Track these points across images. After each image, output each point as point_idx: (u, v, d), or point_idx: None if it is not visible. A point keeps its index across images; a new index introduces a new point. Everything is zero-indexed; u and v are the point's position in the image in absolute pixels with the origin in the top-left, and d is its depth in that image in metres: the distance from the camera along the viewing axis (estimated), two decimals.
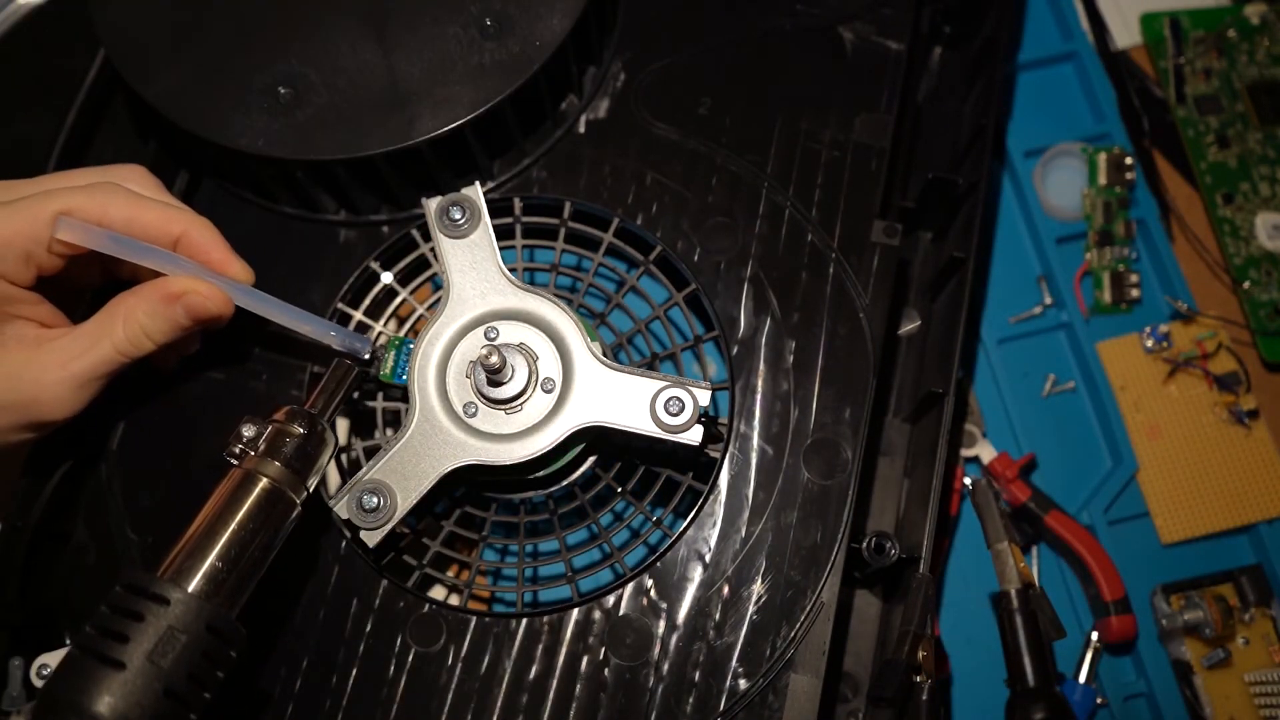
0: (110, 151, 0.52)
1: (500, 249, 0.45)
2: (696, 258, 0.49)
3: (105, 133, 0.53)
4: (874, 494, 0.51)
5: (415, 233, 0.50)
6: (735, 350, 0.48)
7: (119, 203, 0.41)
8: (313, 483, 0.41)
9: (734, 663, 0.43)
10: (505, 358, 0.42)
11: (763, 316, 0.48)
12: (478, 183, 0.45)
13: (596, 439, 0.46)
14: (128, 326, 0.41)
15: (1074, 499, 0.58)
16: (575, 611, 0.45)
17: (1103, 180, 0.63)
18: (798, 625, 0.44)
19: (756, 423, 0.47)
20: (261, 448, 0.40)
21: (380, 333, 0.50)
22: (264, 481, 0.39)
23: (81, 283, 0.45)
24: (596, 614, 0.45)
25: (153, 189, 0.44)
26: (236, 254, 0.44)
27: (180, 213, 0.43)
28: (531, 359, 0.43)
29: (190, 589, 0.36)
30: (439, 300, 0.45)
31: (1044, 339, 0.62)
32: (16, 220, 0.39)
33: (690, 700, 0.43)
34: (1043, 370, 0.61)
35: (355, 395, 0.49)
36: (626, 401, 0.42)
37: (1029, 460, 0.58)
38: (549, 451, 0.42)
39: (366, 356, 0.45)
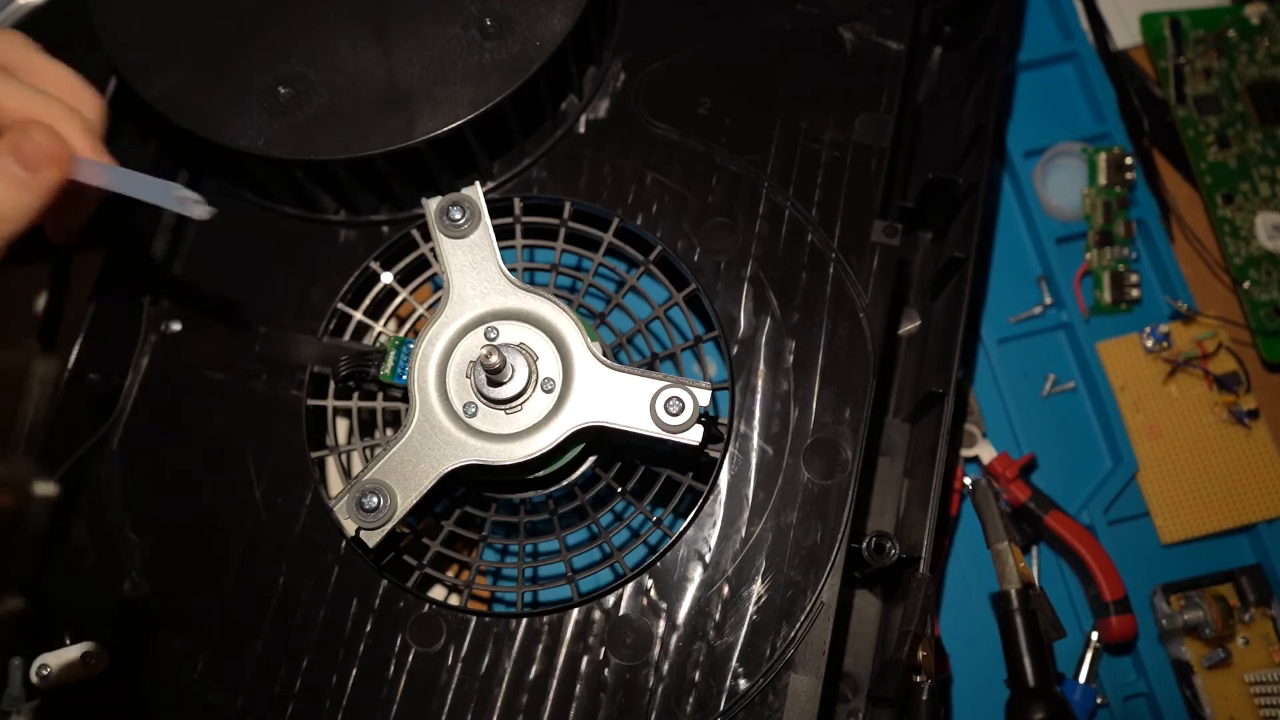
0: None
1: (500, 249, 0.45)
2: (696, 258, 0.49)
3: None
4: (874, 494, 0.50)
5: (415, 233, 0.50)
6: (735, 350, 0.48)
7: None
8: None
9: (734, 663, 0.43)
10: (505, 358, 0.42)
11: (763, 316, 0.48)
12: (478, 183, 0.45)
13: (596, 439, 0.46)
14: None
15: (1074, 499, 0.58)
16: (575, 611, 0.45)
17: (1103, 180, 0.63)
18: (798, 625, 0.44)
19: (756, 423, 0.47)
20: None
21: (380, 333, 0.50)
22: None
23: None
24: (596, 614, 0.45)
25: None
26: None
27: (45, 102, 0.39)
28: (531, 359, 0.43)
29: None
30: (439, 300, 0.45)
31: (1044, 339, 0.62)
32: None
33: (690, 700, 0.43)
34: (1043, 370, 0.61)
35: (357, 392, 0.49)
36: (626, 401, 0.42)
37: (1029, 460, 0.58)
38: (549, 451, 0.42)
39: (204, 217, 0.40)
